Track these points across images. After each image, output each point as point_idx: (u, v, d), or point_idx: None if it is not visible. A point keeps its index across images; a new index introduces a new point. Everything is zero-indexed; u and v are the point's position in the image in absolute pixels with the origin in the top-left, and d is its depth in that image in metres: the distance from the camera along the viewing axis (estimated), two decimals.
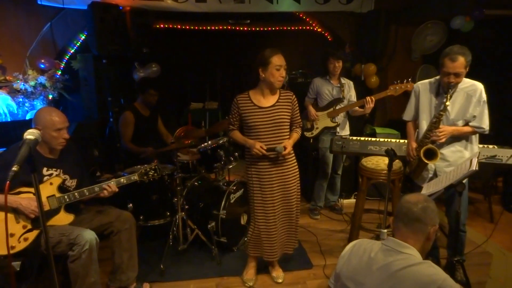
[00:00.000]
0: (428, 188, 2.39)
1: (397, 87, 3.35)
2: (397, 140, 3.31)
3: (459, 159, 2.60)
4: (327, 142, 3.78)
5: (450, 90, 2.45)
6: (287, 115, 2.63)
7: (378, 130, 4.48)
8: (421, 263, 1.51)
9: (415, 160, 2.71)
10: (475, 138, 2.67)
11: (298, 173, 2.75)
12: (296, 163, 2.74)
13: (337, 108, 3.76)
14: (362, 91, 4.26)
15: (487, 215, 3.94)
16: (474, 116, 2.54)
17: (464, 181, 2.23)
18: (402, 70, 4.87)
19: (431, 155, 2.56)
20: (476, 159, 2.15)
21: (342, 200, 4.25)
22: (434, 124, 2.54)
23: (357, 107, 3.70)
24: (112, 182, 2.42)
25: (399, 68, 4.96)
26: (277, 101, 2.61)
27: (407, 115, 2.84)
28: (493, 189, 4.40)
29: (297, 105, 2.72)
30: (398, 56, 5.01)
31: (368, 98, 3.46)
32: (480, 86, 2.53)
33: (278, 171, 2.65)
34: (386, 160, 2.92)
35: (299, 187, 2.77)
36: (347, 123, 3.92)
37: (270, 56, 2.50)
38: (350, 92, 3.84)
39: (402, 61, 5.02)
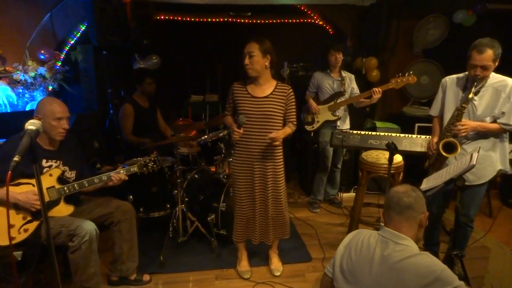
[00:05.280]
0: (428, 182, 2.38)
1: (398, 80, 3.34)
2: (398, 134, 3.30)
3: (486, 158, 2.49)
4: (327, 135, 3.77)
5: (476, 84, 2.38)
6: (279, 108, 2.57)
7: (379, 124, 4.48)
8: (419, 254, 1.53)
9: (434, 154, 2.66)
10: (505, 137, 2.54)
11: (283, 166, 2.71)
12: (282, 157, 2.70)
13: (338, 101, 3.75)
14: (363, 85, 4.24)
15: (486, 210, 3.95)
16: (503, 113, 2.42)
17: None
18: (403, 64, 4.84)
19: (451, 148, 2.49)
20: (477, 154, 2.15)
21: (341, 194, 4.26)
22: (456, 117, 2.46)
23: (363, 98, 3.67)
24: (112, 173, 2.43)
25: (401, 62, 4.92)
26: (271, 93, 2.57)
27: (434, 110, 2.76)
28: (492, 184, 4.41)
29: (293, 100, 2.62)
30: (400, 50, 4.98)
31: (375, 89, 3.43)
32: (510, 81, 2.43)
33: (265, 162, 2.63)
34: (386, 154, 2.92)
35: (283, 180, 2.74)
36: (348, 117, 3.92)
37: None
38: (352, 85, 3.83)
39: (403, 55, 4.98)
